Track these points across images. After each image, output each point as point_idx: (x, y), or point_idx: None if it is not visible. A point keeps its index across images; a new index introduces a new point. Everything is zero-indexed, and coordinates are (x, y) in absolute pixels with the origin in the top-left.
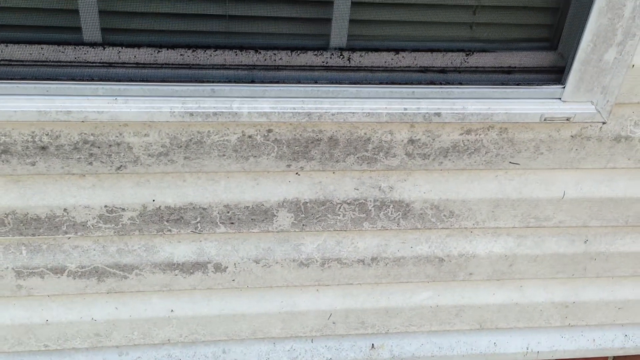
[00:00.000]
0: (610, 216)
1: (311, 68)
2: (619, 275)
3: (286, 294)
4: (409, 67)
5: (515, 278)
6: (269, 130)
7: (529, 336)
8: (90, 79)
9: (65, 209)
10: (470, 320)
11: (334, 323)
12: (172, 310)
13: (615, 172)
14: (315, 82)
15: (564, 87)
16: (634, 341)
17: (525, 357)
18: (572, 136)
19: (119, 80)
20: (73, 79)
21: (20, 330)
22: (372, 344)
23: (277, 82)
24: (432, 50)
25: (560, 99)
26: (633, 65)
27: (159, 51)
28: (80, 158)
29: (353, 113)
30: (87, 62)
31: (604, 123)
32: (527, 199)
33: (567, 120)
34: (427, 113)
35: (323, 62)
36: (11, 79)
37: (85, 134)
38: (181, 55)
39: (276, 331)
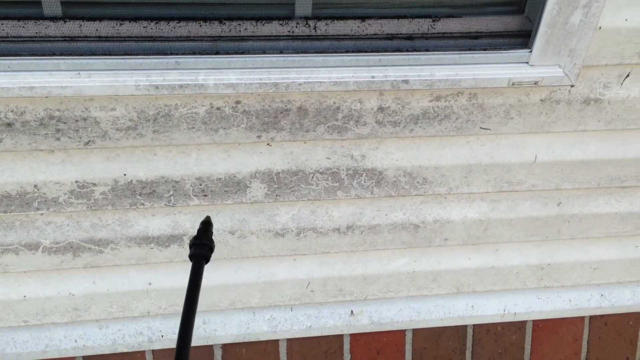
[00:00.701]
0: (582, 178)
1: (277, 38)
2: (593, 237)
3: (263, 264)
4: (376, 34)
5: (490, 242)
6: (237, 102)
7: (506, 298)
8: (52, 53)
9: (35, 185)
10: (448, 285)
11: (312, 291)
12: (150, 283)
13: (586, 134)
14: (281, 52)
15: (531, 51)
16: (610, 300)
17: (502, 319)
18: (541, 100)
19: (82, 55)
20: (34, 55)
21: None
22: (351, 311)
23: (243, 53)
24: (398, 17)
25: (527, 63)
26: (600, 28)
27: (121, 24)
28: (47, 134)
29: (320, 82)
30: (49, 36)
31: (572, 86)
32: (499, 164)
33: (536, 84)
34: (395, 80)
35: (289, 31)
36: None
37: (50, 109)
38: (144, 27)
39: (255, 301)
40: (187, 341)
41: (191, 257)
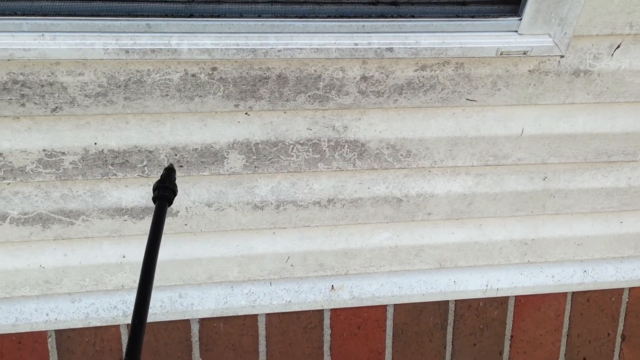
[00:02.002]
0: (569, 153)
1: (254, 1)
2: (578, 212)
3: (242, 237)
4: None
5: (474, 217)
6: (214, 69)
7: (489, 274)
8: (14, 13)
9: (0, 154)
10: (430, 260)
11: (292, 266)
12: (123, 256)
13: (574, 107)
14: (260, 16)
15: (521, 19)
16: (593, 277)
17: (484, 294)
18: (529, 71)
19: (45, 15)
20: None
21: None
22: (332, 286)
23: (219, 17)
24: None
25: (516, 31)
26: None
27: None
28: (11, 99)
29: (300, 49)
30: None
31: (562, 57)
32: (485, 137)
33: (524, 54)
34: (379, 48)
35: None
36: None
37: (14, 73)
38: None
39: (233, 275)
40: (150, 278)
41: (154, 199)
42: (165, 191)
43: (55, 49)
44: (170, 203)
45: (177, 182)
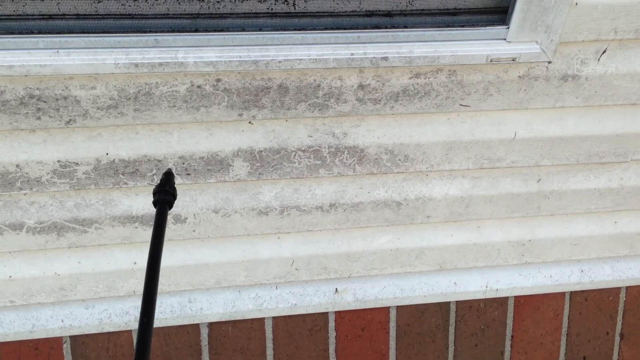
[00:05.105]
0: (561, 155)
1: (256, 15)
2: (572, 213)
3: (248, 242)
4: (355, 11)
5: (472, 219)
6: (218, 80)
7: (488, 275)
8: (30, 32)
9: (17, 165)
10: (431, 262)
11: (296, 270)
12: (135, 263)
13: (565, 110)
14: (260, 30)
15: (509, 28)
16: (590, 276)
17: (484, 295)
18: (519, 77)
19: (60, 33)
20: (12, 33)
21: None
22: (336, 289)
23: (222, 31)
24: None
25: (505, 39)
26: (576, 4)
27: (99, 1)
28: (27, 113)
29: (300, 60)
30: (26, 14)
31: (549, 62)
32: (479, 141)
33: (513, 60)
34: (374, 57)
35: (267, 8)
36: None
37: (30, 88)
38: (122, 5)
39: (240, 279)
40: (155, 280)
41: (155, 203)
42: (165, 195)
43: (70, 64)
44: (171, 206)
45: (185, 189)
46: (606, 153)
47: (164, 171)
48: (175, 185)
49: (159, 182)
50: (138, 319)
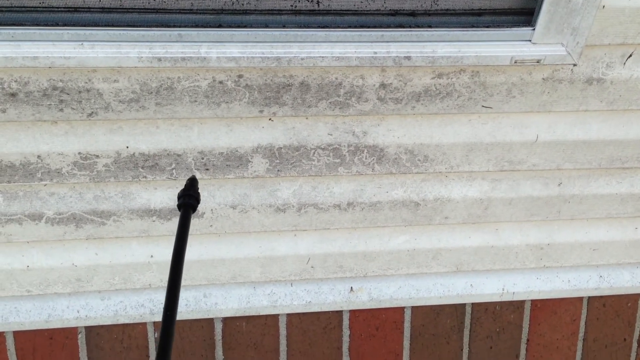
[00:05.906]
0: (583, 159)
1: (279, 12)
2: (593, 217)
3: (264, 239)
4: (379, 10)
5: (490, 221)
6: (240, 76)
7: (505, 277)
8: (56, 24)
9: (39, 156)
10: (447, 263)
11: (312, 267)
12: (151, 256)
13: (588, 114)
14: (284, 27)
15: (534, 29)
16: (608, 282)
17: (501, 298)
18: (543, 79)
19: (85, 26)
20: (38, 25)
21: (2, 275)
22: (351, 287)
23: (245, 27)
24: None
25: (530, 41)
26: (604, 6)
27: None
28: (50, 105)
29: (322, 57)
30: (52, 6)
31: (574, 65)
32: (500, 143)
33: (538, 62)
34: (397, 56)
35: (291, 5)
36: None
37: (54, 80)
38: None
39: (256, 275)
40: (177, 283)
41: (179, 206)
42: (189, 199)
43: (93, 57)
44: (194, 210)
45: (203, 184)
46: (629, 158)
47: (189, 177)
48: (195, 187)
49: (183, 187)
50: (152, 311)
